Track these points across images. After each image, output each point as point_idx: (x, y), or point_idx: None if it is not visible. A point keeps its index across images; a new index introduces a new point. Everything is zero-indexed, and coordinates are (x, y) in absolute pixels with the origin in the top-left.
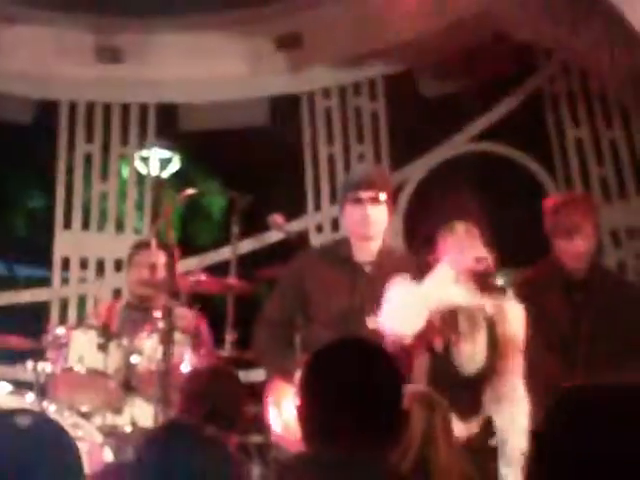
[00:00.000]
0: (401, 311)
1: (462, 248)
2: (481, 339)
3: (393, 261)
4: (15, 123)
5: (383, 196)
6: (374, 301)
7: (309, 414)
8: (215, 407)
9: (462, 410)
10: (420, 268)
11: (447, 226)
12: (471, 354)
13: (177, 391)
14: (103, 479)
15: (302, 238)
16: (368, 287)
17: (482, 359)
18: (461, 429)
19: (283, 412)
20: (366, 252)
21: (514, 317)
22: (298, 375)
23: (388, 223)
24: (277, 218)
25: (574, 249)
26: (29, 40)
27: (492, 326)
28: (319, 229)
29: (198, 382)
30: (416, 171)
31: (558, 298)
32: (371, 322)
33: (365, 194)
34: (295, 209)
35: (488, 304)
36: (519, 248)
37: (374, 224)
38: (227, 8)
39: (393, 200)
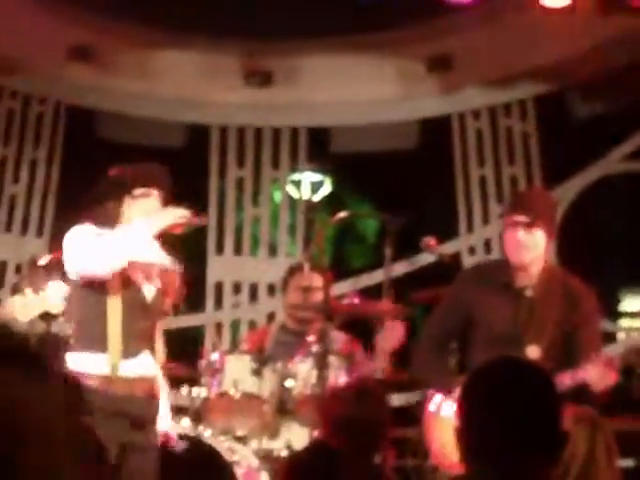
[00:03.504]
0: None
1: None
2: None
3: (556, 284)
4: (166, 147)
5: (538, 221)
6: (535, 329)
7: (468, 435)
8: (358, 430)
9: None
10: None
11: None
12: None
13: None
14: None
15: (454, 260)
16: (530, 314)
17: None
18: None
19: (440, 433)
20: (526, 277)
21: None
22: (456, 394)
23: (547, 246)
24: (429, 241)
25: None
26: (179, 65)
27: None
28: (472, 251)
29: (341, 405)
30: (568, 192)
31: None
32: (531, 351)
33: (519, 218)
34: (447, 231)
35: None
36: None
37: (526, 250)
38: (377, 30)
39: (553, 222)
